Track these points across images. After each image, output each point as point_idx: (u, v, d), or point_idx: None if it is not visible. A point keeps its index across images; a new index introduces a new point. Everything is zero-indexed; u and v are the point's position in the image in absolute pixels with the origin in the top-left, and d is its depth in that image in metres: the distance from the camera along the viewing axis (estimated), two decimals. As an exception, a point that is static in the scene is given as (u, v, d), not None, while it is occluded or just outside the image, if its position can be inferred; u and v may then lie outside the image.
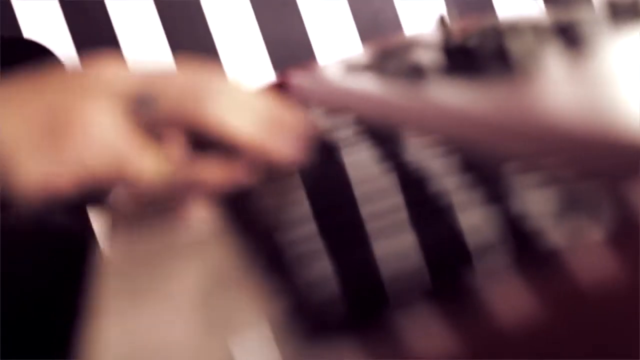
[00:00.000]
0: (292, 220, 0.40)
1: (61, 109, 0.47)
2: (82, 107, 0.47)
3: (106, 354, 0.34)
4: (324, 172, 0.50)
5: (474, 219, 0.33)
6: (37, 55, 1.20)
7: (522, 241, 0.30)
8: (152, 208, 0.54)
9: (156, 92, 0.49)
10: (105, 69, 0.49)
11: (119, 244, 0.50)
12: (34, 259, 0.76)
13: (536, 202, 0.33)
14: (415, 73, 0.57)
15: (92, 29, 1.44)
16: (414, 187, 0.40)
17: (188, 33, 1.47)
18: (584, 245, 0.27)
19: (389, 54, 0.73)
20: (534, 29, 0.49)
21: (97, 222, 0.88)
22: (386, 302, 0.28)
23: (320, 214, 0.40)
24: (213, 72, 0.52)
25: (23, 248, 0.73)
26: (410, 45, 0.75)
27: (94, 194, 0.49)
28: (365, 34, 1.51)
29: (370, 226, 0.36)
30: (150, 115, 0.48)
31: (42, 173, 0.47)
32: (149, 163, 0.48)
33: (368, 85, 0.64)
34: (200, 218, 0.50)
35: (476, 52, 0.48)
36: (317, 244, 0.35)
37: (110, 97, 0.48)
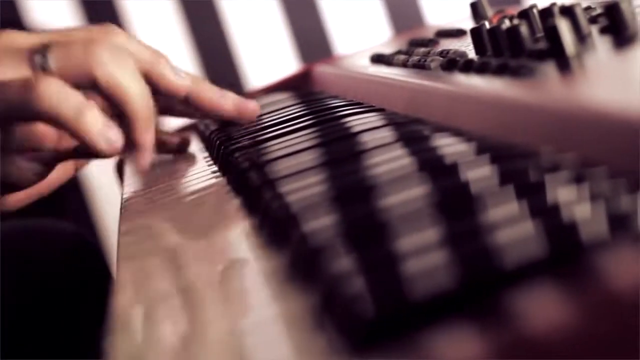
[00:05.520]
0: (311, 208, 0.38)
1: None
2: None
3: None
4: (346, 157, 0.48)
5: (507, 217, 0.32)
6: None
7: (555, 240, 0.28)
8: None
9: (52, 44, 0.55)
10: (6, 33, 0.57)
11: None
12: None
13: (572, 200, 0.31)
14: (447, 62, 0.55)
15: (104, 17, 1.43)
16: (442, 178, 0.39)
17: (208, 23, 1.46)
18: (621, 248, 0.26)
19: (417, 42, 0.72)
20: (575, 11, 0.47)
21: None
22: (415, 302, 0.26)
23: (342, 202, 0.38)
24: (112, 28, 0.59)
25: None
26: (440, 33, 0.73)
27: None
28: (395, 25, 1.50)
29: (396, 219, 0.34)
30: (47, 65, 0.55)
31: None
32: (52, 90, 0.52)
33: (395, 75, 0.63)
34: None
35: (515, 34, 0.46)
36: (339, 236, 0.33)
37: (11, 54, 0.55)
